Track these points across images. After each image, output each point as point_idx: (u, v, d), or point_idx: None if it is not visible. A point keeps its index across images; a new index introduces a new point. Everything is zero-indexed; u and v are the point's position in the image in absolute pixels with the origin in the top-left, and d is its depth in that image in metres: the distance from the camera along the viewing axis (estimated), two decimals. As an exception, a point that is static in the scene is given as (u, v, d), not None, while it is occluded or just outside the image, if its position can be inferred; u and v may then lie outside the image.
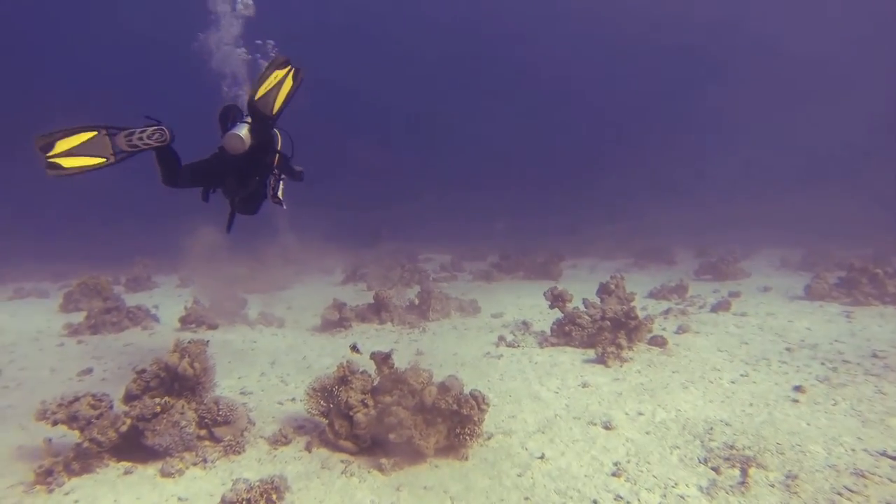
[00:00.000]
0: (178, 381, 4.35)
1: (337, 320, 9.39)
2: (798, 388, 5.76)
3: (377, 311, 9.77)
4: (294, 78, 4.73)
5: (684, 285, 11.99)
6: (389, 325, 9.61)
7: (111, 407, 4.19)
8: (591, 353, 7.51)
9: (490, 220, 32.52)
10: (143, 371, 4.35)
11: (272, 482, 3.46)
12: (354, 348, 5.08)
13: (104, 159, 4.23)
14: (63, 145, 4.06)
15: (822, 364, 6.58)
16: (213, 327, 9.41)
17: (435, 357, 7.67)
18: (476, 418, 4.24)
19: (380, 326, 9.57)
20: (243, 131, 4.87)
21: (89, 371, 7.34)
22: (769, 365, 6.60)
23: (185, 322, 9.46)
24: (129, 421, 4.06)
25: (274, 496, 3.44)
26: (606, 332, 7.83)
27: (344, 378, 4.58)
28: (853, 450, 4.39)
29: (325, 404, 4.76)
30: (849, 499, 3.72)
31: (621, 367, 6.87)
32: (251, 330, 9.52)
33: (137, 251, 20.53)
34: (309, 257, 21.43)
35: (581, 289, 13.17)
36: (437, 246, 25.25)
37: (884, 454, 4.29)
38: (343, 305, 9.52)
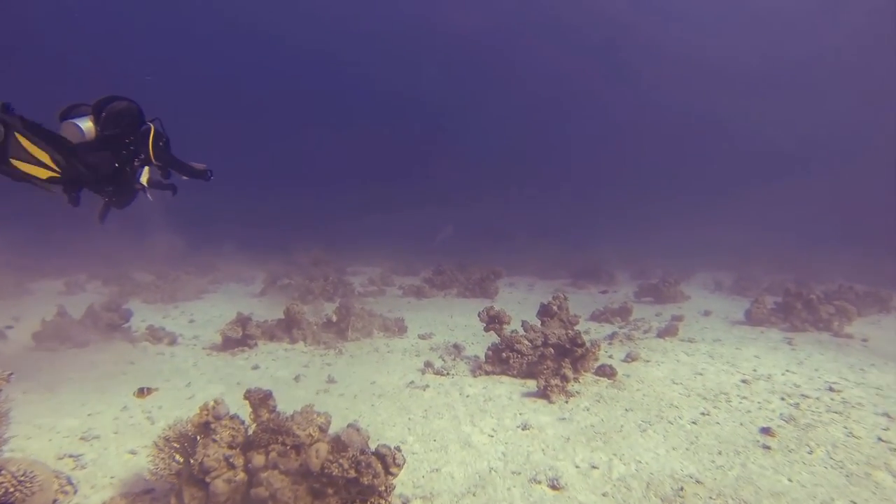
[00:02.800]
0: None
1: (240, 338, 7.97)
2: (766, 431, 4.99)
3: (288, 328, 8.41)
4: None
5: (628, 307, 11.33)
6: (301, 345, 8.27)
7: None
8: (531, 384, 6.53)
9: (432, 231, 31.40)
10: None
11: None
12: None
13: None
14: None
15: (783, 399, 5.88)
16: (81, 345, 7.75)
17: (348, 386, 6.44)
18: (382, 487, 3.08)
19: (290, 346, 8.22)
20: (86, 123, 4.49)
21: None
22: (729, 401, 5.82)
23: (41, 339, 7.72)
24: None
25: None
26: (549, 361, 6.87)
27: (206, 425, 3.31)
28: (853, 520, 3.57)
29: (181, 461, 3.46)
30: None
31: (567, 402, 5.91)
32: (132, 349, 7.91)
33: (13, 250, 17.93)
34: (231, 266, 19.61)
35: (519, 309, 12.30)
36: (370, 258, 23.93)
37: (889, 526, 3.48)
38: (247, 321, 8.10)
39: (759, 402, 5.75)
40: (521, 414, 5.57)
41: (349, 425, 3.39)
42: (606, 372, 6.85)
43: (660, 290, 14.28)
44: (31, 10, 48.45)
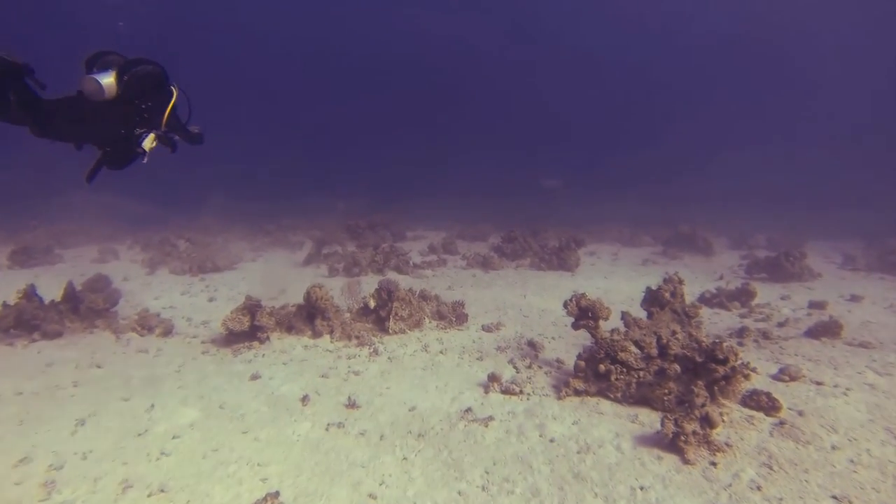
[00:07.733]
0: None
1: (247, 331, 6.13)
2: None
3: (310, 317, 6.47)
4: None
5: (749, 290, 8.65)
6: (326, 340, 6.32)
7: None
8: (646, 417, 4.29)
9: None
10: None
11: None
12: None
13: None
14: None
15: None
16: (51, 337, 6.13)
17: (376, 414, 4.40)
18: None
19: (311, 342, 6.28)
20: (107, 80, 4.40)
21: None
22: None
23: (1, 326, 6.14)
24: None
25: None
26: (672, 382, 4.57)
27: None
28: None
29: None
30: None
31: (715, 466, 3.62)
32: (113, 341, 6.24)
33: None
34: (277, 230, 18.15)
35: (606, 286, 9.93)
36: (434, 218, 21.95)
37: None
38: (257, 308, 6.21)
39: None
40: (641, 489, 3.35)
41: None
42: (763, 404, 4.47)
43: (780, 266, 11.31)
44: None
